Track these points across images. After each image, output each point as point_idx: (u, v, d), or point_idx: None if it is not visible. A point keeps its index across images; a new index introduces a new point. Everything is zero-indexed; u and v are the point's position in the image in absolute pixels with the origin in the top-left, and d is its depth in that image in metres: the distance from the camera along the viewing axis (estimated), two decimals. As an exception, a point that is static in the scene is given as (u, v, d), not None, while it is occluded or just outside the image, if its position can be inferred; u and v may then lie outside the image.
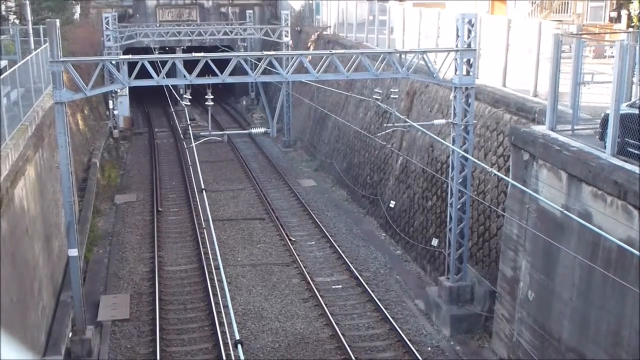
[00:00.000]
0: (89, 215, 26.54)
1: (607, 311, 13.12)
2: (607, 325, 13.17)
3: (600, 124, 14.63)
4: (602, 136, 14.33)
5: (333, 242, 26.42)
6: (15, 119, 18.66)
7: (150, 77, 18.32)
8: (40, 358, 17.08)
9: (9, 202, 15.50)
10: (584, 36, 18.05)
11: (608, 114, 13.93)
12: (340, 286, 23.09)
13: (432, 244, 23.34)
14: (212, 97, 24.27)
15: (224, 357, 18.24)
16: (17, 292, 15.58)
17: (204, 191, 17.34)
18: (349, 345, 18.94)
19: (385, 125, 25.64)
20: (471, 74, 19.20)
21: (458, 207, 19.88)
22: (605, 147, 13.99)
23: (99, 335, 19.66)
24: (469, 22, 18.89)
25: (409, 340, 19.19)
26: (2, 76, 18.41)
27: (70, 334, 18.89)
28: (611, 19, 33.18)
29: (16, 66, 20.20)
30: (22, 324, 15.81)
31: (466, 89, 19.26)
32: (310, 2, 48.71)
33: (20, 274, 16.18)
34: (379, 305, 21.22)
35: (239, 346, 8.41)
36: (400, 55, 20.10)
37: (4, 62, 23.57)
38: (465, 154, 19.05)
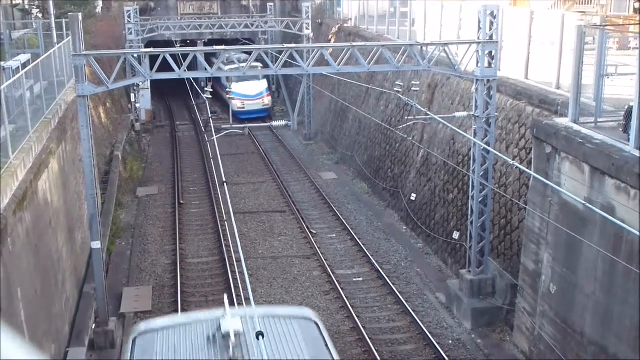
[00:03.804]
0: (111, 208, 26.74)
1: (630, 305, 13.02)
2: (630, 319, 13.07)
3: (624, 117, 14.48)
4: (626, 129, 14.18)
5: (354, 234, 26.42)
6: (38, 112, 18.83)
7: (172, 70, 18.40)
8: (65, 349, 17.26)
9: (33, 194, 15.66)
10: (607, 27, 17.85)
11: (632, 106, 13.78)
12: (361, 279, 23.10)
13: (453, 237, 23.27)
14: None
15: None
16: (41, 284, 15.75)
17: (225, 184, 17.41)
18: (369, 338, 18.96)
19: (406, 117, 25.55)
20: (493, 66, 19.08)
21: (479, 200, 19.80)
22: (628, 140, 13.84)
23: (121, 327, 19.83)
24: (491, 14, 18.76)
25: (430, 333, 19.18)
26: (26, 70, 18.57)
27: (94, 325, 19.07)
28: (635, 10, 32.78)
29: (39, 60, 20.37)
30: (46, 315, 15.98)
31: (488, 81, 19.15)
32: (331, -6, 48.61)
33: (44, 265, 16.35)
34: (399, 298, 21.21)
35: (260, 337, 8.43)
36: (422, 47, 20.00)
37: (28, 56, 23.74)
38: (487, 147, 18.95)
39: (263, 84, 49.31)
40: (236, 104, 47.62)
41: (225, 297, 11.14)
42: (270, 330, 9.86)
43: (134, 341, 10.15)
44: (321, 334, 10.31)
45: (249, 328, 9.51)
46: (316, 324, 10.56)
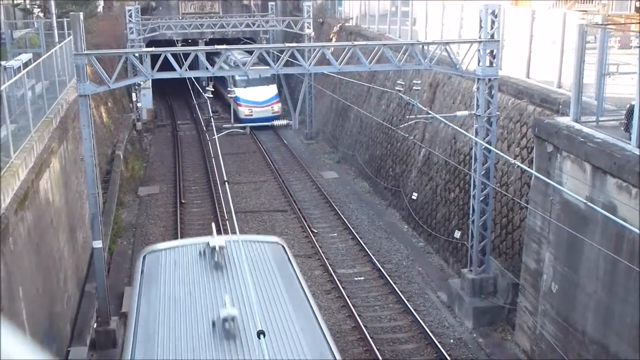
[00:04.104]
0: (112, 207, 26.75)
1: (631, 304, 13.01)
2: (631, 318, 13.06)
3: (626, 116, 14.47)
4: (628, 127, 14.17)
5: (355, 234, 26.42)
6: (40, 112, 18.84)
7: (173, 69, 18.40)
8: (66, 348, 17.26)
9: (35, 194, 15.67)
10: (609, 26, 17.84)
11: (633, 105, 13.77)
12: (362, 278, 23.10)
13: (454, 236, 23.26)
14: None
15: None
16: (42, 283, 15.76)
17: (226, 183, 17.41)
18: (371, 337, 18.96)
19: (407, 117, 25.56)
20: (494, 65, 19.07)
21: (481, 199, 19.79)
22: (630, 139, 13.84)
23: (123, 327, 19.82)
24: (493, 13, 18.76)
25: (432, 332, 19.18)
26: (27, 69, 18.57)
27: (95, 324, 19.07)
28: (637, 9, 32.73)
29: (41, 59, 20.37)
30: (47, 314, 15.99)
31: (489, 80, 19.14)
32: (333, -7, 48.60)
33: (45, 265, 16.36)
34: (401, 298, 21.21)
35: (261, 336, 8.45)
36: (423, 46, 19.99)
37: (29, 55, 23.75)
38: (488, 146, 18.95)
39: (272, 90, 47.11)
40: (243, 111, 45.78)
41: (213, 224, 14.73)
42: (247, 249, 12.57)
43: (143, 258, 13.37)
44: (286, 253, 13.60)
45: (231, 247, 12.64)
46: (283, 246, 13.92)
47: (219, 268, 12.21)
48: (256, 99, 46.04)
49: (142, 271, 12.87)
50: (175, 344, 10.23)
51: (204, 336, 10.20)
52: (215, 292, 11.46)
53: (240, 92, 45.62)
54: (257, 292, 11.47)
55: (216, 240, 12.54)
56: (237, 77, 46.02)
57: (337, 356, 10.05)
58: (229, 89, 44.61)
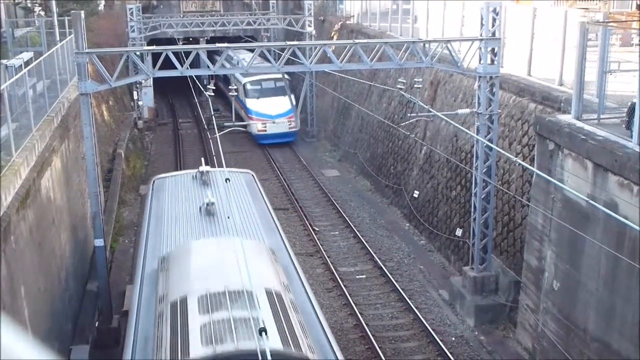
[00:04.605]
0: (114, 206, 26.76)
1: (633, 301, 13.01)
2: (632, 316, 13.06)
3: (627, 113, 14.46)
4: (629, 125, 14.16)
5: (357, 232, 26.43)
6: (41, 110, 18.83)
7: (174, 67, 18.40)
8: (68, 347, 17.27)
9: (36, 192, 15.67)
10: (610, 24, 17.82)
11: (634, 103, 13.76)
12: (364, 276, 23.11)
13: (456, 234, 23.26)
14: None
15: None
16: (44, 282, 15.77)
17: (227, 181, 17.40)
18: (372, 335, 18.97)
19: (409, 115, 25.55)
20: (496, 63, 19.06)
21: (482, 196, 19.79)
22: (631, 136, 13.83)
23: (125, 325, 19.82)
24: (494, 10, 18.75)
25: (433, 330, 19.19)
26: (28, 68, 18.57)
27: (97, 323, 19.08)
28: (638, 7, 32.70)
29: (42, 58, 20.37)
30: (49, 313, 16.00)
31: (491, 78, 19.14)
32: (334, -9, 48.56)
33: (47, 263, 16.37)
34: (402, 295, 21.22)
35: (263, 334, 8.46)
36: (424, 44, 19.98)
37: (30, 54, 23.75)
38: (490, 144, 18.94)
39: (288, 101, 41.30)
40: (256, 126, 40.26)
41: (202, 159, 21.01)
42: (225, 174, 16.32)
43: (153, 182, 18.86)
44: (254, 179, 19.08)
45: (215, 173, 17.81)
46: (253, 176, 19.31)
47: (205, 184, 17.19)
48: (270, 111, 40.76)
49: (152, 188, 18.28)
50: (176, 219, 15.45)
51: (194, 215, 15.34)
52: (202, 195, 16.02)
53: (252, 103, 41.25)
54: (230, 193, 16.21)
55: (204, 168, 17.84)
56: (248, 86, 41.63)
57: (286, 244, 14.57)
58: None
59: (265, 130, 40.20)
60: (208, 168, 17.89)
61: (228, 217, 14.18)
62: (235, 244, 11.30)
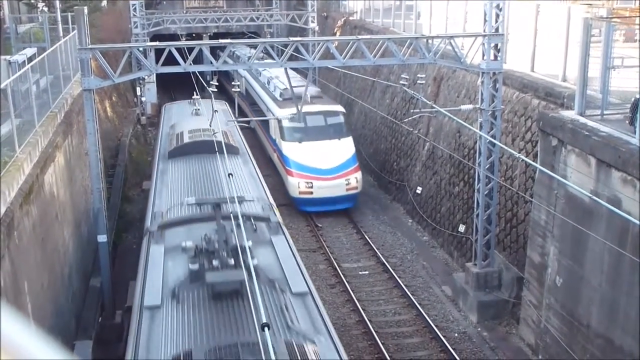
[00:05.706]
0: (117, 202, 26.78)
1: (636, 297, 13.01)
2: (635, 312, 13.06)
3: (631, 109, 14.43)
4: (632, 121, 14.13)
5: (359, 228, 26.42)
6: (44, 106, 18.86)
7: (177, 63, 18.40)
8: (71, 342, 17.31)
9: (39, 188, 15.70)
10: (614, 20, 17.79)
11: (638, 99, 13.74)
12: (367, 272, 23.12)
13: (459, 230, 23.26)
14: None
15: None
16: (47, 277, 15.80)
17: (230, 176, 17.37)
18: (375, 331, 18.98)
19: (412, 111, 25.51)
20: (499, 59, 19.04)
21: (485, 193, 19.77)
22: (635, 132, 13.80)
23: (128, 320, 19.85)
24: (497, 6, 18.72)
25: (436, 326, 19.20)
26: (32, 64, 18.59)
27: (100, 319, 19.11)
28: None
29: (45, 54, 20.39)
30: (53, 308, 16.03)
31: (494, 74, 19.11)
32: (337, -13, 48.47)
33: (50, 259, 16.40)
34: (405, 292, 21.23)
35: (266, 329, 8.46)
36: (427, 40, 19.95)
37: (33, 50, 23.77)
38: (493, 140, 18.91)
39: (347, 147, 28.88)
40: (296, 186, 27.99)
41: (195, 92, 27.88)
42: (214, 104, 22.98)
43: (164, 107, 30.56)
44: (227, 108, 28.31)
45: (205, 102, 25.67)
46: (227, 104, 28.72)
47: (198, 113, 25.67)
48: (319, 164, 28.17)
49: (164, 111, 29.31)
50: (177, 117, 25.96)
51: (187, 114, 25.89)
52: (193, 108, 26.45)
53: (290, 149, 28.88)
54: (210, 109, 22.12)
55: (196, 98, 27.23)
56: (284, 123, 28.94)
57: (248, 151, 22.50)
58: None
59: (312, 193, 27.90)
60: (199, 98, 27.14)
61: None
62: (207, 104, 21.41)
